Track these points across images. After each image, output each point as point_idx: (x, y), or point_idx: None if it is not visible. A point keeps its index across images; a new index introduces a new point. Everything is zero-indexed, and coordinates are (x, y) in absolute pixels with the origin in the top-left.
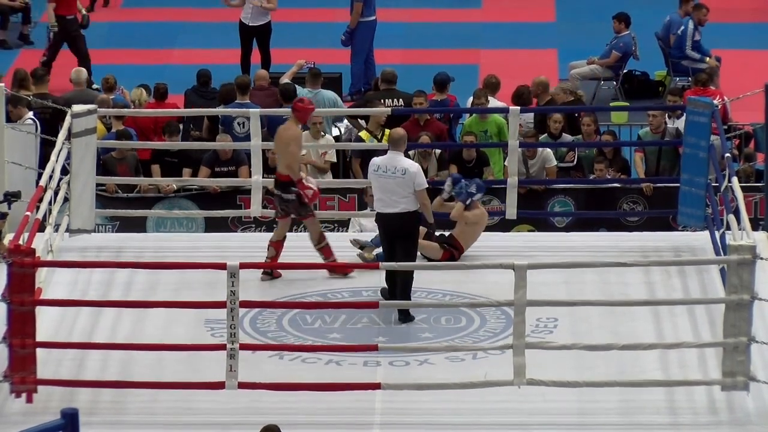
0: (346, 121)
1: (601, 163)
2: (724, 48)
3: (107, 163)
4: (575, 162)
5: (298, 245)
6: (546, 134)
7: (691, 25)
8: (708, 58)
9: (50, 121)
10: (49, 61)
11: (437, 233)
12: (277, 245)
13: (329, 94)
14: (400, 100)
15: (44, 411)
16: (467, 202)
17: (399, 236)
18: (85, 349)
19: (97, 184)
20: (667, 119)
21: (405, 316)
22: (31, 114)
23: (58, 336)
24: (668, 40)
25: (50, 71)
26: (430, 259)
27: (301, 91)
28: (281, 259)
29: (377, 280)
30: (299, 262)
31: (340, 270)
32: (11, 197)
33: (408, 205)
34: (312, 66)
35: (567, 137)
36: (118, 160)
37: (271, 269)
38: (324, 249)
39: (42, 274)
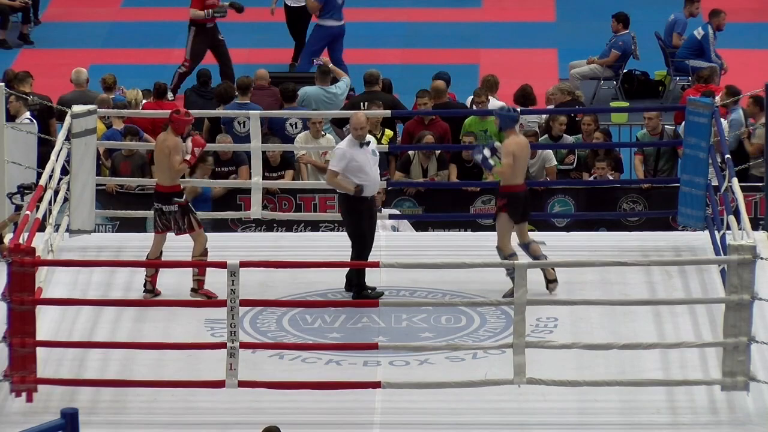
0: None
1: (602, 162)
2: (724, 48)
3: (114, 159)
4: (574, 164)
5: (297, 245)
6: (546, 135)
7: (711, 31)
8: (724, 64)
9: (39, 120)
10: (187, 73)
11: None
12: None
13: (342, 85)
14: (380, 104)
15: (44, 410)
16: (487, 158)
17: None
18: (86, 348)
19: (99, 184)
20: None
21: (359, 291)
22: (28, 113)
23: (59, 335)
24: (671, 39)
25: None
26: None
27: (311, 90)
28: (278, 259)
29: (377, 280)
30: (299, 261)
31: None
32: (26, 189)
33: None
34: (321, 63)
35: (568, 138)
36: (126, 157)
37: (152, 287)
38: (201, 266)
39: (42, 274)
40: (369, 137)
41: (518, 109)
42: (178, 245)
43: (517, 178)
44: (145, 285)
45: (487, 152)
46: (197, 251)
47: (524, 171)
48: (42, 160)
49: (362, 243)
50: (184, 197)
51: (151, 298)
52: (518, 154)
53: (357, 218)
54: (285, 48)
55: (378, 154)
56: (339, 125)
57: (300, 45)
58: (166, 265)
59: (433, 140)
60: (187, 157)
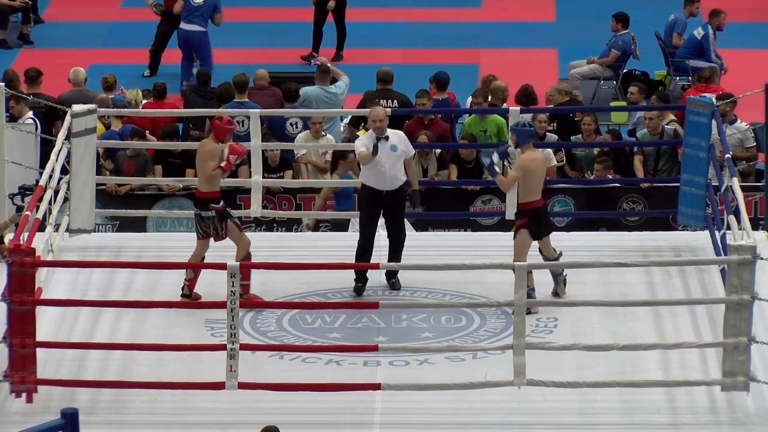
0: (345, 120)
1: (601, 164)
2: (725, 48)
3: (118, 159)
4: (564, 162)
5: (297, 245)
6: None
7: (711, 31)
8: (724, 64)
9: (45, 120)
10: (157, 50)
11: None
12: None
13: (342, 85)
14: (395, 101)
15: (44, 411)
16: (493, 164)
17: None
18: (85, 349)
19: (99, 184)
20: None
21: (395, 282)
22: (31, 113)
23: (59, 336)
24: (671, 39)
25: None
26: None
27: (311, 90)
28: (278, 259)
29: (377, 279)
30: (299, 262)
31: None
32: (26, 191)
33: None
34: (320, 63)
35: (552, 137)
36: (130, 157)
37: (190, 291)
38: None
39: (42, 274)
40: (392, 132)
41: (534, 125)
42: (181, 245)
43: (534, 194)
44: (183, 289)
45: (495, 157)
46: (240, 255)
47: (540, 187)
48: (45, 161)
49: (362, 234)
50: (221, 203)
51: (188, 299)
52: (533, 169)
53: (362, 209)
54: (286, 48)
55: (398, 150)
56: (356, 125)
57: (342, 33)
58: (166, 266)
59: (427, 140)
60: (222, 164)
